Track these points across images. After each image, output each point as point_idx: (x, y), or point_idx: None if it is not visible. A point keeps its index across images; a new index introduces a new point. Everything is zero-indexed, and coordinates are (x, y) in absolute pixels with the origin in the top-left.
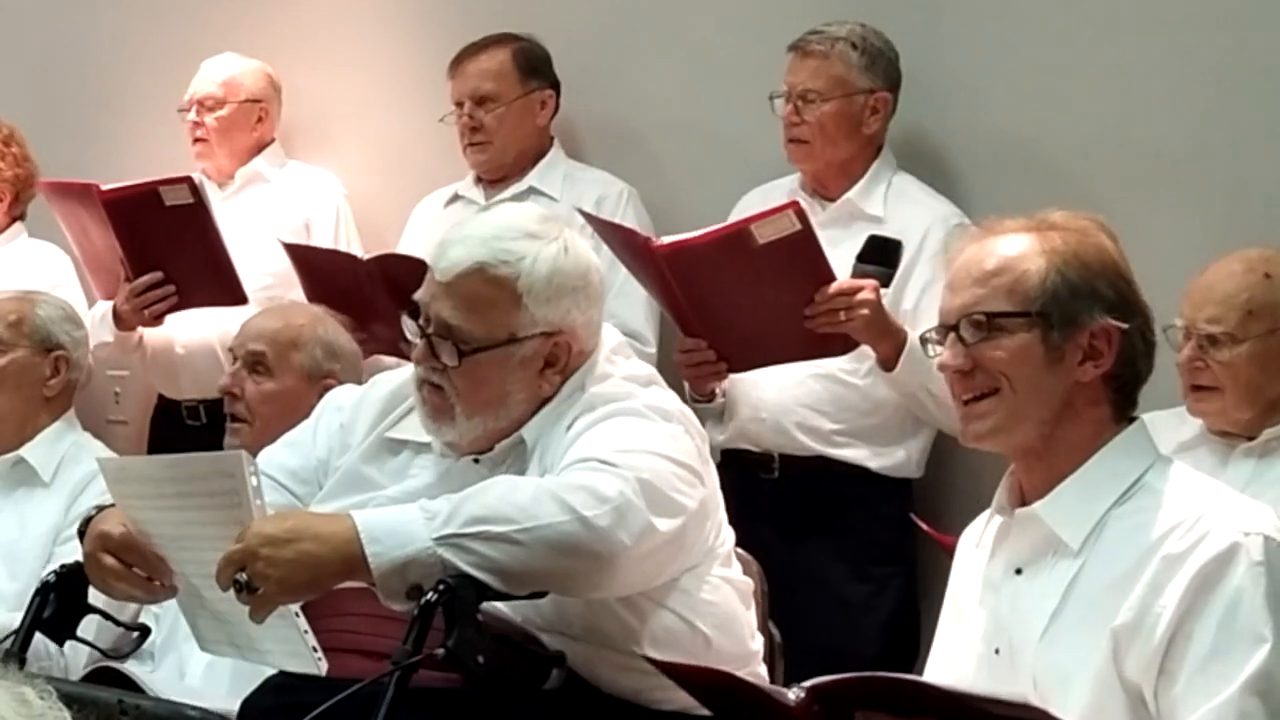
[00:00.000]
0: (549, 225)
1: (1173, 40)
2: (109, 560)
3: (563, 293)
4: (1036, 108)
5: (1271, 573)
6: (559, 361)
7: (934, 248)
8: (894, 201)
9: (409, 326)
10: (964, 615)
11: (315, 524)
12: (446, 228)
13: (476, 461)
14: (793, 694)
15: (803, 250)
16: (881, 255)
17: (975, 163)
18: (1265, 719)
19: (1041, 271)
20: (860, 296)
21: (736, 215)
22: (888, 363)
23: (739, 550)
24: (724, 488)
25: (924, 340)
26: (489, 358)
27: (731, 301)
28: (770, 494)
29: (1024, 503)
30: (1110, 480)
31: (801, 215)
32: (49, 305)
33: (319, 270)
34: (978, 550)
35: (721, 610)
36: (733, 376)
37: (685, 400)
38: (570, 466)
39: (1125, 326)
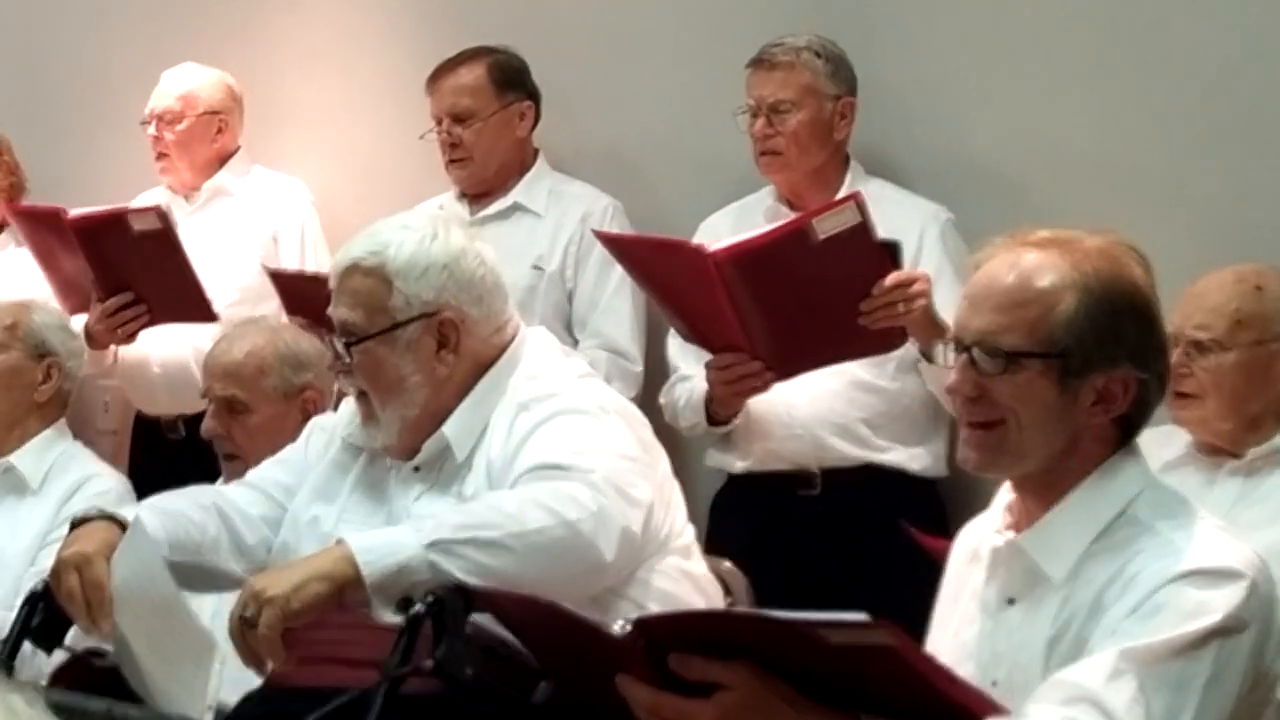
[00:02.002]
0: (425, 220)
1: (1134, 57)
2: (73, 583)
3: (430, 271)
4: (999, 125)
5: (1250, 597)
6: (450, 341)
7: (933, 244)
8: (877, 206)
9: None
10: (958, 631)
11: (306, 557)
12: None
13: (416, 470)
14: (618, 627)
15: (861, 243)
16: None
17: (935, 180)
18: (1134, 688)
19: (1070, 311)
20: (917, 287)
21: (701, 237)
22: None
23: (725, 563)
24: (754, 511)
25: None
26: (375, 345)
27: (784, 303)
28: (813, 509)
29: (1018, 527)
30: (1096, 512)
31: (861, 207)
32: (45, 312)
33: (301, 293)
34: (974, 563)
35: (680, 601)
36: (755, 400)
37: (681, 431)
38: (534, 472)
39: (1144, 377)
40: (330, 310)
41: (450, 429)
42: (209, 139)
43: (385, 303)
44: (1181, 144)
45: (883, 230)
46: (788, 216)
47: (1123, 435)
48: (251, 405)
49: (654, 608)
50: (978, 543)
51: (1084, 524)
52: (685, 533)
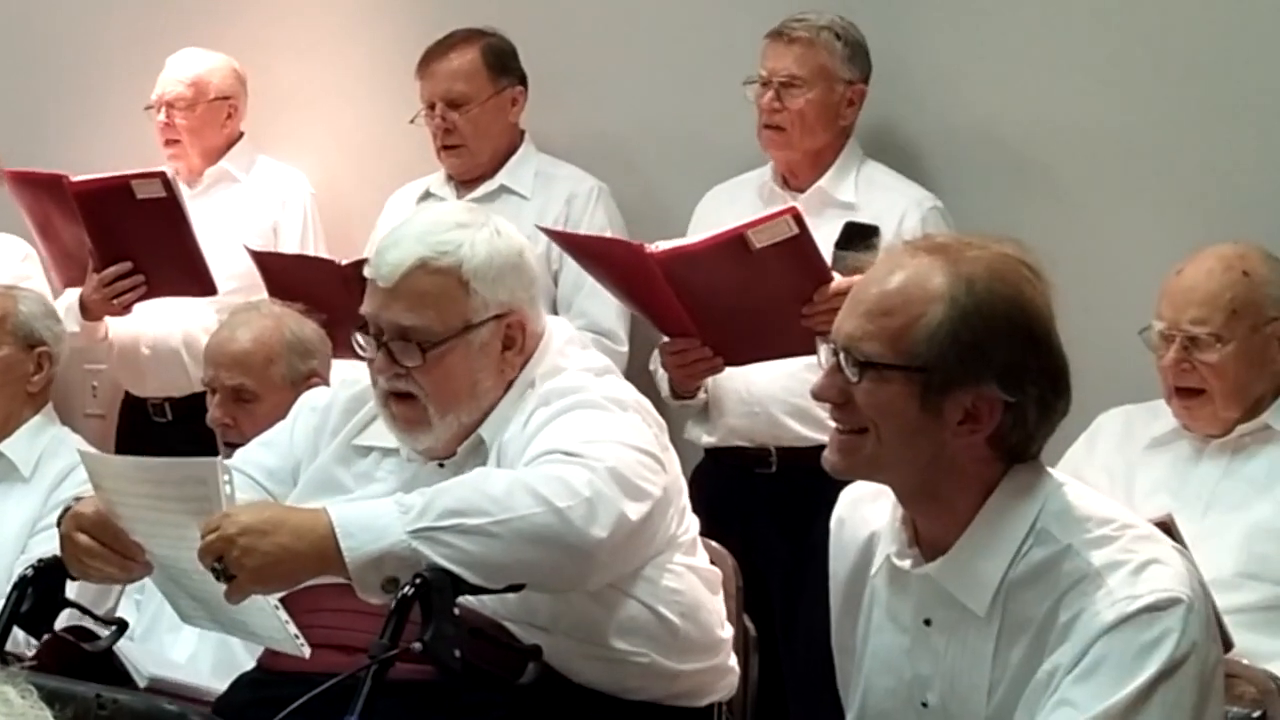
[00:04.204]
0: (475, 215)
1: (1143, 35)
2: (84, 539)
3: (505, 272)
4: (1007, 103)
5: (1188, 622)
6: (516, 343)
7: (912, 230)
8: (865, 188)
9: (360, 343)
10: (867, 636)
11: (292, 517)
12: None
13: (441, 466)
14: None
15: (800, 253)
16: (859, 241)
17: (945, 157)
18: None
19: (934, 324)
20: None
21: (700, 214)
22: None
23: (713, 543)
24: (715, 486)
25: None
26: (450, 349)
27: (729, 301)
28: (768, 489)
29: (921, 545)
30: (1005, 536)
31: (799, 220)
32: (30, 301)
33: (284, 275)
34: (880, 565)
35: (687, 598)
36: (719, 376)
37: (661, 399)
38: (538, 459)
39: (1010, 400)
40: (377, 311)
41: (488, 431)
42: (219, 124)
43: (460, 305)
44: (1197, 130)
45: (865, 213)
46: (782, 197)
47: (1006, 456)
48: (260, 394)
49: (661, 608)
50: (869, 533)
51: (996, 552)
52: (691, 528)
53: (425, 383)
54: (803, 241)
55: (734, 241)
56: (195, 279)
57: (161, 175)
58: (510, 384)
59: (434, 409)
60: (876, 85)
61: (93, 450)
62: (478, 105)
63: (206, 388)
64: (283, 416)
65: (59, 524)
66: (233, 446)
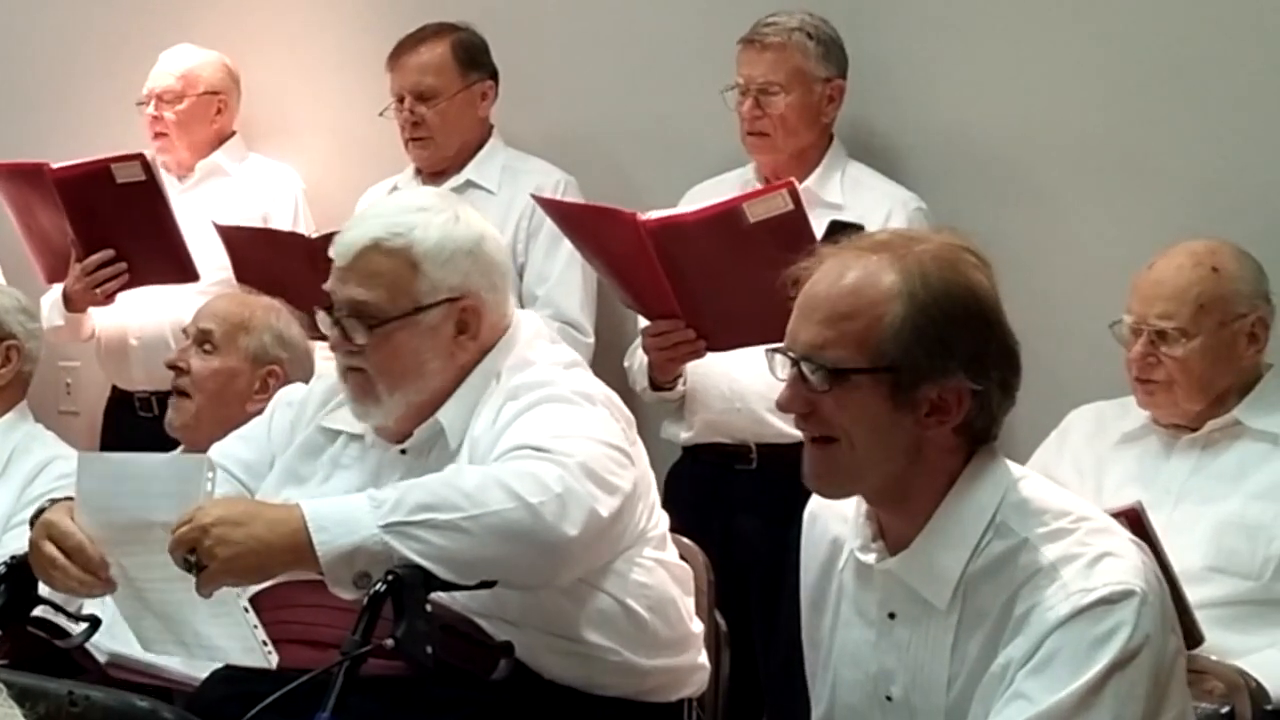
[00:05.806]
0: (440, 200)
1: (1118, 34)
2: (50, 548)
3: (457, 256)
4: (982, 104)
5: (1141, 614)
6: (470, 328)
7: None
8: (851, 188)
9: (321, 319)
10: (835, 629)
11: (265, 511)
12: None
13: (403, 452)
14: None
15: (793, 230)
16: (843, 239)
17: (921, 158)
18: None
19: (897, 321)
20: None
21: (684, 208)
22: None
23: (685, 540)
24: (695, 483)
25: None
26: (398, 328)
27: (717, 280)
28: (749, 485)
29: (886, 539)
30: (964, 529)
31: (795, 194)
32: (3, 295)
33: (250, 251)
34: (846, 559)
35: (656, 592)
36: (700, 370)
37: (636, 395)
38: (508, 454)
39: (977, 388)
40: (334, 287)
41: (446, 415)
42: (208, 119)
43: (410, 285)
44: (1170, 130)
45: (851, 213)
46: None
47: (970, 443)
48: (220, 347)
49: (630, 601)
50: (838, 528)
51: (956, 545)
52: (660, 523)
53: (374, 360)
54: (797, 218)
55: (729, 214)
56: (177, 266)
57: (141, 158)
58: (466, 369)
59: (382, 386)
60: (852, 87)
61: (92, 452)
62: (446, 99)
63: (183, 334)
64: (229, 380)
65: (32, 524)
66: (179, 393)
